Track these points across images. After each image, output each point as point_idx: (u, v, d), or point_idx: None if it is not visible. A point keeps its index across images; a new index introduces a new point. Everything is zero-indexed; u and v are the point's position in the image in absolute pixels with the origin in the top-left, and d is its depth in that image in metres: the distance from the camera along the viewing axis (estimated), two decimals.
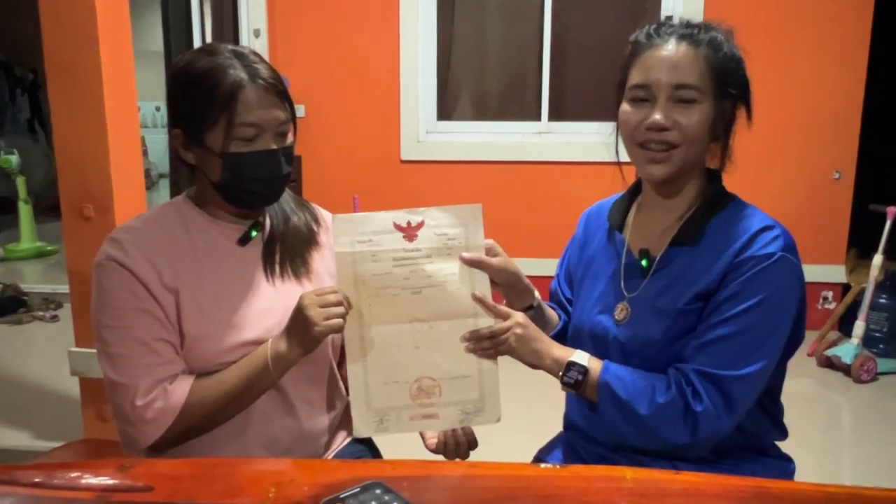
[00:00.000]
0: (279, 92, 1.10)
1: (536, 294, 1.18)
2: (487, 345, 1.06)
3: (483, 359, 1.07)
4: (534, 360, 1.07)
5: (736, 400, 1.00)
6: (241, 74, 1.06)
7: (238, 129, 1.06)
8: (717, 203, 1.10)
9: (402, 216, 1.06)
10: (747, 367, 1.00)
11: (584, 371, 1.05)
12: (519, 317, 1.07)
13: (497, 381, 1.07)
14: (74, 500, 0.86)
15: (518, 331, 1.06)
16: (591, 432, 1.13)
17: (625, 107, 1.09)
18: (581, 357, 1.07)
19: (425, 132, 3.85)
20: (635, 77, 1.07)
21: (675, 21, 1.09)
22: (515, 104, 3.95)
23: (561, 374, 1.06)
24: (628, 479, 0.91)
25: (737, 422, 1.02)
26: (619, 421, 1.03)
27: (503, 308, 1.08)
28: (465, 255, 1.06)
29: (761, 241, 1.02)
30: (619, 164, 1.16)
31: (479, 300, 1.06)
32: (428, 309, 1.06)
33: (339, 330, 1.04)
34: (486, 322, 1.07)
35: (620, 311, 1.12)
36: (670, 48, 1.05)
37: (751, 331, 1.00)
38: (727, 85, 1.06)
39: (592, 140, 3.51)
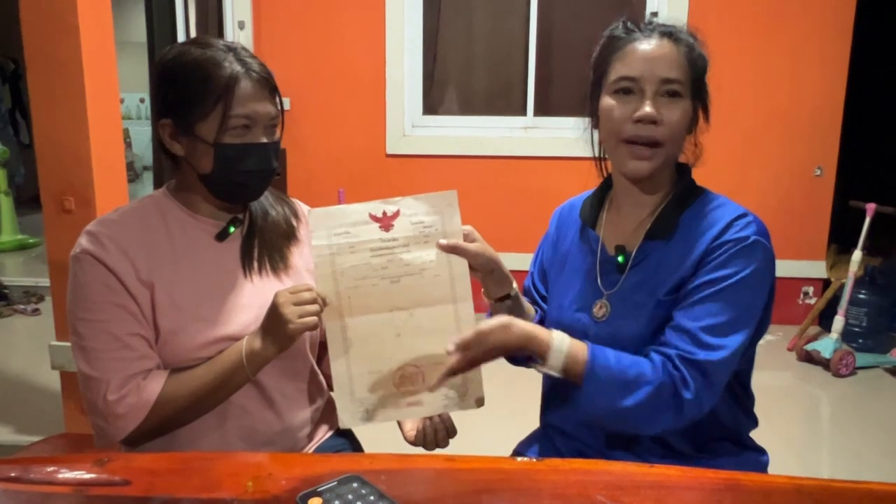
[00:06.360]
0: (271, 87, 1.11)
1: (514, 283, 1.18)
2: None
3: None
4: (522, 343, 1.02)
5: (714, 381, 1.02)
6: (236, 67, 1.07)
7: (232, 120, 1.07)
8: (687, 196, 1.11)
9: (378, 206, 1.06)
10: (725, 345, 1.01)
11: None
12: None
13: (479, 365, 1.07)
14: (51, 494, 0.86)
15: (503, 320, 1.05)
16: (571, 416, 1.13)
17: (608, 101, 1.08)
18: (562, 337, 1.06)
19: (411, 126, 3.85)
20: (620, 70, 1.07)
21: (659, 19, 1.10)
22: (501, 99, 3.95)
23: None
24: (604, 472, 0.92)
25: (715, 400, 1.03)
26: (606, 403, 1.01)
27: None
28: (443, 241, 1.05)
29: (736, 226, 1.05)
30: (597, 159, 1.17)
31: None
32: (407, 297, 1.05)
33: (314, 328, 1.04)
34: (465, 308, 1.06)
35: (599, 309, 1.12)
36: (654, 43, 1.06)
37: (728, 308, 1.02)
38: (699, 84, 1.09)
39: (578, 136, 3.51)
